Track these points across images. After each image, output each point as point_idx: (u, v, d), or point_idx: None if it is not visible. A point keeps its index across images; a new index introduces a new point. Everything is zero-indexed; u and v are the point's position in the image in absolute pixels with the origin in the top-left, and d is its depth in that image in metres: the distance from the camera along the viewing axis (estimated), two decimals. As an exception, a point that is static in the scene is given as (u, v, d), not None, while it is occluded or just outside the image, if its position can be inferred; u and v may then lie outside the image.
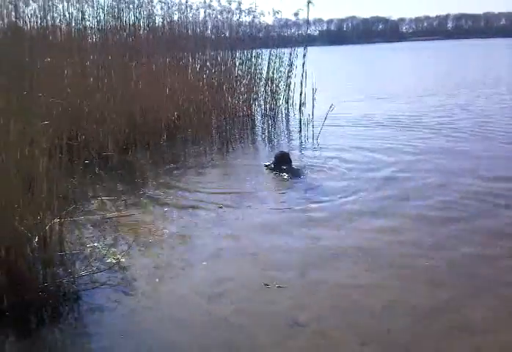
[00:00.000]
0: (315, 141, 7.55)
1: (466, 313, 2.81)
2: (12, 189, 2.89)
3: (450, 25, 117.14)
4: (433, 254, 3.56)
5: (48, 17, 7.34)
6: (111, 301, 3.03)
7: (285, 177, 5.54)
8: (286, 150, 6.30)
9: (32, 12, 7.29)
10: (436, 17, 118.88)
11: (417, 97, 12.54)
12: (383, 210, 4.47)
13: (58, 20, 7.54)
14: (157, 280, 3.29)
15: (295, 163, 5.96)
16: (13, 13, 6.68)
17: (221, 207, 4.63)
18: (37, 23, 7.28)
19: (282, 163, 5.76)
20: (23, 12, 7.09)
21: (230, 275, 3.34)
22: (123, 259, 3.50)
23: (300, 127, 8.85)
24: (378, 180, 5.36)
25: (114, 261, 3.47)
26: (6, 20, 6.35)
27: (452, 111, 10.11)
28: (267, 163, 5.95)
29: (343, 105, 10.67)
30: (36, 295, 2.90)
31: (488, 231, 3.96)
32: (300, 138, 8.11)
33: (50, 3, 7.40)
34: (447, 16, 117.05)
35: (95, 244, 3.78)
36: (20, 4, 7.00)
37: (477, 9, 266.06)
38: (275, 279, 3.20)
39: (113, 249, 3.69)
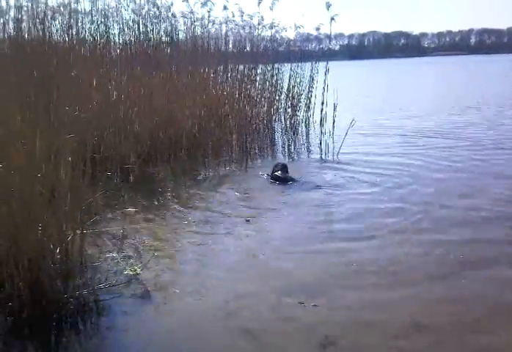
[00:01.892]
0: (335, 157, 7.53)
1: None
2: (36, 201, 2.93)
3: (472, 40, 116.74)
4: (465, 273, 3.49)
5: (74, 31, 7.50)
6: (130, 313, 3.04)
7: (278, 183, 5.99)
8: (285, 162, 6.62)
9: (59, 25, 7.48)
10: (459, 31, 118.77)
11: (444, 113, 12.44)
12: (403, 227, 4.43)
13: (83, 34, 7.70)
14: (176, 291, 3.29)
15: (315, 179, 6.05)
16: (40, 26, 6.84)
17: (248, 221, 4.64)
18: (63, 36, 7.44)
19: (280, 172, 6.15)
20: (50, 25, 7.25)
21: (251, 290, 3.32)
22: (142, 272, 3.52)
23: (320, 142, 8.83)
24: (399, 195, 5.34)
25: (133, 273, 3.49)
26: (33, 33, 6.51)
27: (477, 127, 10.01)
28: (267, 174, 6.30)
29: (365, 121, 10.63)
30: (56, 307, 2.92)
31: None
32: (320, 153, 8.10)
33: (75, 17, 7.57)
34: (469, 31, 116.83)
35: (114, 256, 3.81)
36: (47, 18, 7.17)
37: (501, 25, 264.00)
38: (296, 295, 3.19)
39: (132, 261, 3.72)
